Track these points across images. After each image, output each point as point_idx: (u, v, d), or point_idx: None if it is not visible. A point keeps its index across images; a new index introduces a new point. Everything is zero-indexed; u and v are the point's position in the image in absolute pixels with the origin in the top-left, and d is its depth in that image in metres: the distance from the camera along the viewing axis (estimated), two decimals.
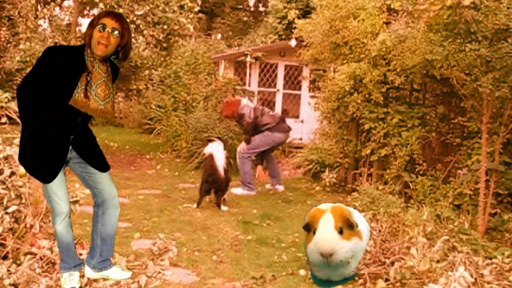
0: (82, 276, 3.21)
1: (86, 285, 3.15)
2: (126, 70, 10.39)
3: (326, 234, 1.37)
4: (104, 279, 3.26)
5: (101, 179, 3.02)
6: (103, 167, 3.03)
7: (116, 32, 2.72)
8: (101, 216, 3.10)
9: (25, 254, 3.27)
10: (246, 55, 11.99)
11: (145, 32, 8.98)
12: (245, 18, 22.27)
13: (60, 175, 2.87)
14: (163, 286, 3.39)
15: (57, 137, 2.84)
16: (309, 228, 1.43)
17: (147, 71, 11.84)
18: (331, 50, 6.92)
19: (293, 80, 11.59)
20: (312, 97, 10.55)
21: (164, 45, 9.66)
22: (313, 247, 1.37)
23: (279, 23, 15.66)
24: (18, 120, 3.92)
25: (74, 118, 2.84)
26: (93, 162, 2.98)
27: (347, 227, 1.41)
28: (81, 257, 3.40)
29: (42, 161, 2.82)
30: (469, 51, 4.66)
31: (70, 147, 2.90)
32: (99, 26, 2.70)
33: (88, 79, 2.75)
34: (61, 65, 2.71)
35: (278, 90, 11.40)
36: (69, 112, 2.78)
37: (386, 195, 5.28)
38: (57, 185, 2.86)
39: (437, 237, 3.83)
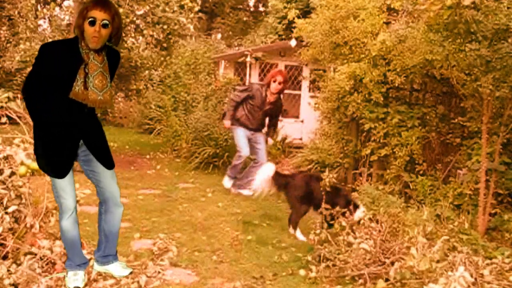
0: (89, 273, 3.24)
1: (86, 285, 3.15)
2: (126, 70, 10.40)
3: None
4: (104, 279, 3.27)
5: (104, 178, 3.04)
6: (109, 164, 3.04)
7: (106, 24, 2.74)
8: (104, 214, 3.14)
9: (25, 254, 3.27)
10: (246, 55, 11.99)
11: (145, 32, 8.99)
12: (245, 18, 22.28)
13: (70, 172, 2.90)
14: (163, 286, 3.39)
15: (66, 132, 2.87)
16: None
17: (147, 71, 11.85)
18: (331, 50, 6.92)
19: (293, 80, 11.59)
20: (312, 97, 10.56)
21: (164, 45, 9.67)
22: None
23: (279, 23, 15.68)
24: (18, 120, 3.93)
25: (80, 111, 2.86)
26: (100, 157, 3.00)
27: None
28: None
29: (54, 157, 2.85)
30: (469, 51, 4.66)
31: (81, 142, 2.92)
32: (89, 20, 2.72)
33: (86, 71, 2.77)
34: (59, 60, 2.74)
35: None
36: (74, 106, 2.80)
37: (386, 195, 5.28)
38: (66, 181, 2.89)
39: (437, 237, 3.83)
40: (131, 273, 3.32)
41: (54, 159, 2.86)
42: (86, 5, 2.79)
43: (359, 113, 6.56)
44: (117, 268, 3.28)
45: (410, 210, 4.66)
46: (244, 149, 6.37)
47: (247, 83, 10.92)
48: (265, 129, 6.61)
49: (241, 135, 6.41)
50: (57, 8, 11.05)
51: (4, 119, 4.14)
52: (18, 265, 3.18)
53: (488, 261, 3.59)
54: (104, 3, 2.78)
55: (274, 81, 6.25)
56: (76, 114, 2.85)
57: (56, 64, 2.73)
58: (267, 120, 6.54)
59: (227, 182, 6.58)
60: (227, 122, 6.57)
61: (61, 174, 2.86)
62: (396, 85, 6.29)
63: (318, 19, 6.98)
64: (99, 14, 2.73)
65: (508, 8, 4.58)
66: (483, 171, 4.91)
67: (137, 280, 3.27)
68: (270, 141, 6.74)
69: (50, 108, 2.79)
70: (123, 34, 8.98)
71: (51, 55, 2.73)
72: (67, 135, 2.87)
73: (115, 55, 2.95)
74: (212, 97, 10.70)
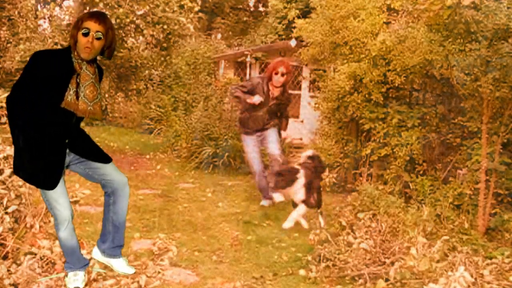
0: (89, 273, 3.24)
1: (86, 285, 3.15)
2: (126, 70, 10.39)
3: None
4: (104, 279, 3.26)
5: (107, 171, 3.02)
6: (105, 159, 3.03)
7: (100, 35, 2.77)
8: (113, 205, 3.09)
9: (25, 254, 3.27)
10: (246, 55, 12.01)
11: (145, 32, 8.98)
12: (245, 18, 22.24)
13: (61, 182, 2.87)
14: (163, 286, 3.39)
15: (54, 142, 2.83)
16: None
17: (147, 71, 11.85)
18: (331, 50, 6.92)
19: (293, 80, 11.60)
20: (312, 97, 10.56)
21: (164, 45, 9.67)
22: None
23: (279, 23, 15.66)
24: None
25: (69, 120, 2.84)
26: (94, 157, 2.99)
27: None
28: None
29: (42, 168, 2.80)
30: (469, 51, 4.66)
31: (68, 150, 2.90)
32: (83, 30, 2.75)
33: (78, 81, 2.77)
34: (51, 70, 2.72)
35: None
36: (63, 115, 2.79)
37: (386, 195, 5.28)
38: (58, 192, 2.85)
39: (437, 237, 3.83)
40: (133, 272, 3.30)
41: (42, 170, 2.79)
42: (82, 16, 2.81)
43: (359, 113, 6.56)
44: (122, 264, 3.23)
45: (410, 210, 4.66)
46: (255, 165, 5.71)
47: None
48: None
49: (250, 146, 5.75)
50: (57, 8, 11.05)
51: (4, 119, 4.14)
52: (18, 265, 3.19)
53: (488, 261, 3.59)
54: (99, 16, 2.80)
55: (276, 73, 5.48)
56: (64, 124, 2.84)
57: (49, 72, 2.71)
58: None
59: (265, 203, 5.81)
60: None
61: (52, 185, 2.82)
62: (396, 85, 6.29)
63: (318, 19, 6.99)
64: (93, 26, 2.75)
65: (508, 8, 4.58)
66: (483, 171, 4.91)
67: (137, 280, 3.27)
68: (284, 133, 5.85)
69: (37, 119, 2.74)
70: (123, 34, 8.99)
71: (44, 63, 2.71)
72: (54, 144, 2.83)
73: (99, 69, 2.98)
74: (212, 97, 10.70)
